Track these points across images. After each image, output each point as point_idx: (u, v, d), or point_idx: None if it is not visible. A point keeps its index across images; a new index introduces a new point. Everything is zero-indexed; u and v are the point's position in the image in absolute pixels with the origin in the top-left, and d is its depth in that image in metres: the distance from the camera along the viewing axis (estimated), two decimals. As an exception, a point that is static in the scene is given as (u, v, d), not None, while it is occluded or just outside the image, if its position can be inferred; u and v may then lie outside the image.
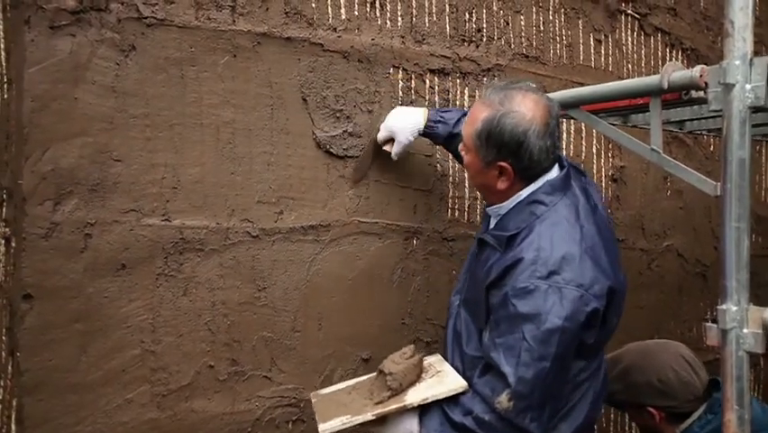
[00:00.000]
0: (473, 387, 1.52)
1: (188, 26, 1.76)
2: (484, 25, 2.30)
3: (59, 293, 1.60)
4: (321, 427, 1.52)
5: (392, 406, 1.53)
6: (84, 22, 1.62)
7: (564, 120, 2.49)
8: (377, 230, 2.09)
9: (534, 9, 2.42)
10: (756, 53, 1.26)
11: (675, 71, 1.43)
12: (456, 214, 2.25)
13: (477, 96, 2.22)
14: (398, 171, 2.13)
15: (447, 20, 2.22)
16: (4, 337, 1.63)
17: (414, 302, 2.16)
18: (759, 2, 3.05)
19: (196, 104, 1.78)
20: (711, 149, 2.97)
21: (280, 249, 1.92)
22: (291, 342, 1.94)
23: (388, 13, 2.10)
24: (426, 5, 2.17)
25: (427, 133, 1.98)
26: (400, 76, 2.12)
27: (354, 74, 2.03)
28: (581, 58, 2.56)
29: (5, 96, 1.67)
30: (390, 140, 2.01)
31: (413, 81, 2.14)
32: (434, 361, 1.70)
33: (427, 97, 2.17)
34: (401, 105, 2.10)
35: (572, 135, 2.56)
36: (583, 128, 2.57)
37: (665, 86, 1.44)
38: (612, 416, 2.72)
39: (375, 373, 1.66)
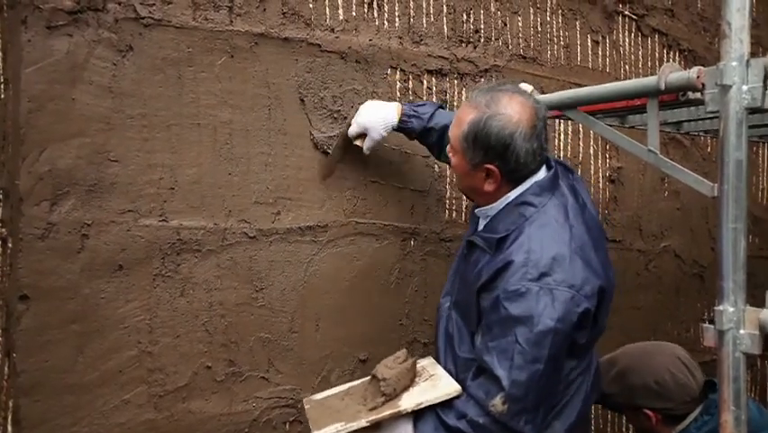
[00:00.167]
0: (467, 390, 1.52)
1: (186, 27, 1.76)
2: (482, 26, 2.30)
3: (56, 294, 1.60)
4: None
5: (386, 412, 1.52)
6: (81, 22, 1.61)
7: (562, 121, 2.50)
8: (374, 231, 2.09)
9: (531, 10, 2.42)
10: (753, 54, 1.26)
11: (672, 72, 1.43)
12: (453, 215, 2.25)
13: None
14: (396, 172, 2.13)
15: (445, 21, 2.22)
16: (0, 338, 1.63)
17: (411, 303, 2.16)
18: (756, 3, 3.06)
19: (193, 104, 1.78)
20: (708, 150, 2.98)
21: (278, 250, 1.92)
22: (288, 343, 1.94)
23: (386, 14, 2.10)
24: (424, 6, 2.17)
25: (401, 128, 1.94)
26: (398, 76, 2.12)
27: (352, 75, 2.03)
28: (579, 59, 2.56)
29: (2, 96, 1.67)
30: (362, 135, 1.96)
31: (410, 82, 2.14)
32: (427, 364, 1.70)
33: (425, 98, 2.17)
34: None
35: (570, 136, 2.56)
36: (580, 129, 2.58)
37: (662, 87, 1.44)
38: (609, 417, 2.73)
39: (368, 378, 1.66)
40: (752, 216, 3.05)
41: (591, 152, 2.63)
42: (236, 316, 1.85)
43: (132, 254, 1.70)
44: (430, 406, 1.52)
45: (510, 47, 2.37)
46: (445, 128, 1.86)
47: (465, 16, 2.26)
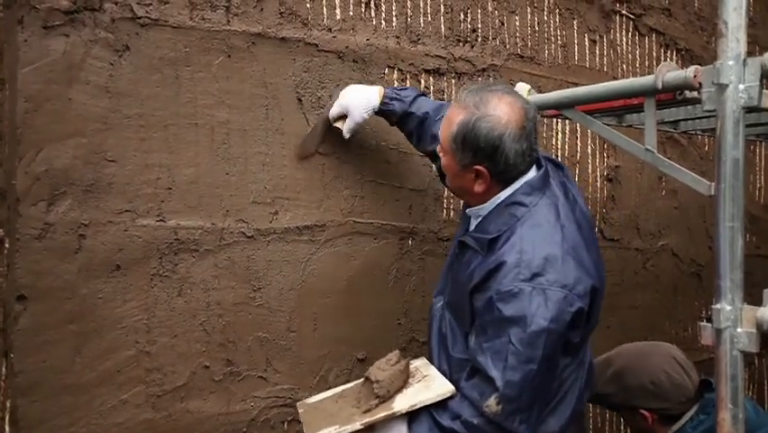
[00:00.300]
0: (461, 391, 1.52)
1: (183, 26, 1.76)
2: (479, 25, 2.30)
3: (53, 294, 1.60)
4: None
5: (380, 414, 1.52)
6: (77, 22, 1.61)
7: (559, 120, 2.50)
8: (372, 230, 2.09)
9: (528, 9, 2.42)
10: (750, 54, 1.27)
11: (669, 71, 1.43)
12: (451, 214, 2.25)
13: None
14: (394, 172, 2.13)
15: (442, 20, 2.22)
16: (-3, 339, 1.63)
17: (409, 302, 2.16)
18: (753, 2, 3.06)
19: (190, 104, 1.78)
20: (706, 149, 2.98)
21: (275, 249, 1.92)
22: (287, 342, 1.94)
23: (383, 14, 2.10)
24: (421, 6, 2.17)
25: (382, 110, 1.92)
26: (395, 76, 2.12)
27: (349, 74, 2.03)
28: (576, 58, 2.57)
29: (-1, 96, 1.66)
30: (343, 117, 1.94)
31: (408, 81, 2.14)
32: (420, 365, 1.70)
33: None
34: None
35: (567, 135, 2.57)
36: (578, 128, 2.58)
37: (659, 86, 1.44)
38: (607, 416, 2.73)
39: (361, 380, 1.66)
40: (749, 214, 3.05)
41: (589, 150, 2.64)
42: (234, 315, 1.85)
43: (130, 254, 1.70)
44: (424, 407, 1.52)
45: (508, 46, 2.37)
46: (426, 115, 1.87)
47: (462, 16, 2.26)
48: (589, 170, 2.63)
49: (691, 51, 2.89)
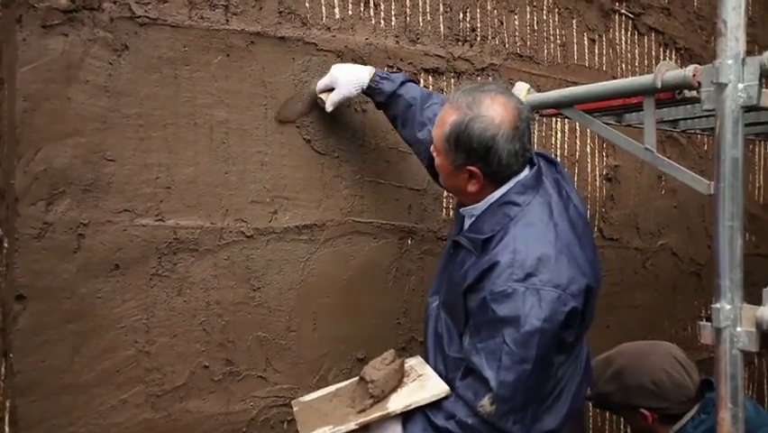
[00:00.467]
0: (455, 391, 1.52)
1: (181, 25, 1.75)
2: (478, 25, 2.30)
3: (52, 294, 1.59)
4: None
5: (375, 414, 1.52)
6: (76, 21, 1.61)
7: (558, 119, 2.50)
8: (371, 230, 2.09)
9: (528, 9, 2.42)
10: (749, 53, 1.27)
11: (668, 71, 1.43)
12: (451, 213, 2.25)
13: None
14: (393, 171, 2.13)
15: (441, 19, 2.22)
16: (-4, 338, 1.63)
17: (408, 302, 2.16)
18: (752, 2, 3.06)
19: (189, 103, 1.77)
20: (705, 148, 2.98)
21: (275, 249, 1.91)
22: (286, 342, 1.94)
23: (382, 13, 2.10)
24: (420, 5, 2.17)
25: (372, 88, 1.90)
26: (395, 75, 2.12)
27: (348, 73, 2.03)
28: (575, 57, 2.57)
29: (-3, 95, 1.66)
30: (329, 90, 1.92)
31: (407, 81, 2.14)
32: (415, 364, 1.70)
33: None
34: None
35: (567, 134, 2.57)
36: (577, 127, 2.58)
37: (659, 85, 1.44)
38: (607, 415, 2.73)
39: (356, 379, 1.66)
40: (748, 213, 3.05)
41: (588, 150, 2.64)
42: (233, 315, 1.85)
43: (129, 254, 1.69)
44: (419, 406, 1.52)
45: (507, 45, 2.37)
46: (414, 100, 1.86)
47: (462, 15, 2.26)
48: (589, 170, 2.63)
49: (690, 51, 2.89)
